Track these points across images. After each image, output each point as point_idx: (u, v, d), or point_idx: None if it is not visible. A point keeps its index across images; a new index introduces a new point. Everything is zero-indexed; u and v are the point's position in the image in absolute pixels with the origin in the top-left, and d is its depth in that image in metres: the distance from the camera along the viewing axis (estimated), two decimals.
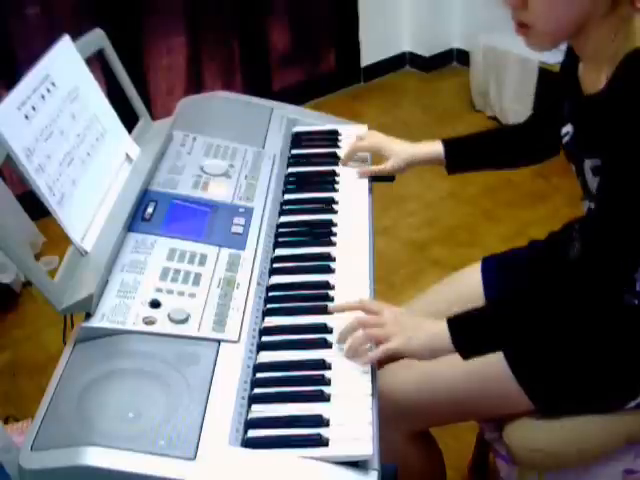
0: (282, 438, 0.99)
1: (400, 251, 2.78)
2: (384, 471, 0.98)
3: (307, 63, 3.89)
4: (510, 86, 3.38)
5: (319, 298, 1.22)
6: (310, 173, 1.55)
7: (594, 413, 1.29)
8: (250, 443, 0.98)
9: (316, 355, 1.12)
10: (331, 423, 1.01)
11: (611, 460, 1.33)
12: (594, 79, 1.19)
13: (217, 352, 1.08)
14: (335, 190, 1.49)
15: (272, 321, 1.18)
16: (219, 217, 1.32)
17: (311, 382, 1.07)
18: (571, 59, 1.28)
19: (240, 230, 1.30)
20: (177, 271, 1.19)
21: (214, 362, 1.06)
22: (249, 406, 1.04)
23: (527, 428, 1.31)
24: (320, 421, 1.01)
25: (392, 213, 2.95)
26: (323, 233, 1.37)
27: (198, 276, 1.19)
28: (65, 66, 1.28)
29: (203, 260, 1.22)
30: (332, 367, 1.10)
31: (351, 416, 1.02)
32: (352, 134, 1.64)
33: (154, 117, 1.55)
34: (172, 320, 1.11)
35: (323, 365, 1.10)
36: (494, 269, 1.51)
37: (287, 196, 1.48)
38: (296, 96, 3.23)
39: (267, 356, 1.12)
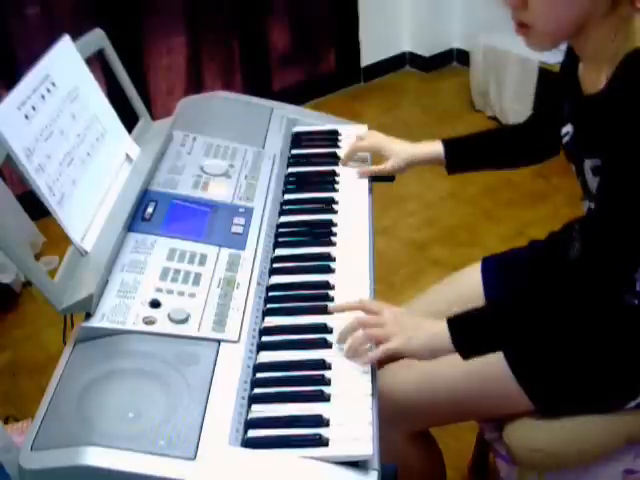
0: (282, 438, 0.99)
1: (400, 251, 2.78)
2: (384, 471, 0.98)
3: (307, 63, 3.89)
4: (510, 86, 3.38)
5: (319, 298, 1.22)
6: (310, 173, 1.55)
7: (594, 413, 1.29)
8: (250, 443, 0.98)
9: (316, 355, 1.12)
10: (331, 423, 1.01)
11: (611, 460, 1.33)
12: (594, 79, 1.19)
13: (217, 352, 1.08)
14: (335, 190, 1.49)
15: (272, 321, 1.18)
16: (219, 217, 1.32)
17: (311, 382, 1.07)
18: (571, 59, 1.28)
19: (240, 230, 1.30)
20: (177, 271, 1.19)
21: (214, 362, 1.06)
22: (249, 406, 1.04)
23: (527, 428, 1.31)
24: (320, 421, 1.01)
25: (392, 213, 2.95)
26: (323, 233, 1.37)
27: (198, 276, 1.19)
28: (65, 66, 1.28)
29: (203, 260, 1.22)
30: (332, 367, 1.10)
31: (351, 416, 1.02)
32: (352, 134, 1.64)
33: (154, 117, 1.55)
34: (172, 320, 1.11)
35: (323, 365, 1.10)
36: (494, 269, 1.51)
37: (287, 196, 1.48)
38: (296, 96, 3.23)
39: (267, 356, 1.12)
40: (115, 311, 1.11)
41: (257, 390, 1.06)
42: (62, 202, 1.16)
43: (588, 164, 1.22)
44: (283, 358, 1.11)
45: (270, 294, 1.23)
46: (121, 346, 1.07)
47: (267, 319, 1.19)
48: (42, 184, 1.12)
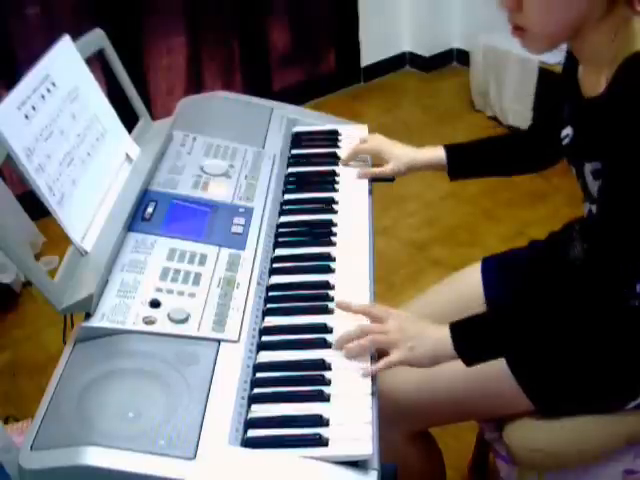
0: (282, 438, 0.99)
1: (400, 251, 2.78)
2: (384, 471, 0.98)
3: (307, 63, 3.89)
4: (510, 86, 3.38)
5: (319, 298, 1.22)
6: (310, 173, 1.55)
7: (594, 413, 1.29)
8: (250, 443, 0.98)
9: (316, 355, 1.12)
10: (331, 423, 1.01)
11: (611, 460, 1.33)
12: (594, 82, 1.18)
13: (217, 352, 1.08)
14: (335, 190, 1.49)
15: (272, 321, 1.18)
16: (219, 217, 1.32)
17: (311, 382, 1.07)
18: (571, 61, 1.28)
19: (240, 230, 1.30)
20: (177, 271, 1.19)
21: (214, 362, 1.06)
22: (249, 406, 1.04)
23: (527, 428, 1.31)
24: (320, 421, 1.01)
25: (392, 213, 2.95)
26: (323, 233, 1.37)
27: (198, 276, 1.19)
28: (65, 66, 1.28)
29: (203, 260, 1.22)
30: (332, 367, 1.10)
31: (351, 416, 1.02)
32: (352, 134, 1.64)
33: (154, 117, 1.55)
34: (172, 320, 1.11)
35: (323, 365, 1.10)
36: (494, 269, 1.51)
37: (287, 196, 1.48)
38: (296, 96, 3.23)
39: (267, 356, 1.12)
40: (115, 311, 1.11)
41: (257, 390, 1.06)
42: (62, 202, 1.16)
43: (588, 167, 1.22)
44: (283, 358, 1.11)
45: (270, 294, 1.23)
46: (121, 346, 1.07)
47: (267, 319, 1.19)
48: (42, 184, 1.12)
